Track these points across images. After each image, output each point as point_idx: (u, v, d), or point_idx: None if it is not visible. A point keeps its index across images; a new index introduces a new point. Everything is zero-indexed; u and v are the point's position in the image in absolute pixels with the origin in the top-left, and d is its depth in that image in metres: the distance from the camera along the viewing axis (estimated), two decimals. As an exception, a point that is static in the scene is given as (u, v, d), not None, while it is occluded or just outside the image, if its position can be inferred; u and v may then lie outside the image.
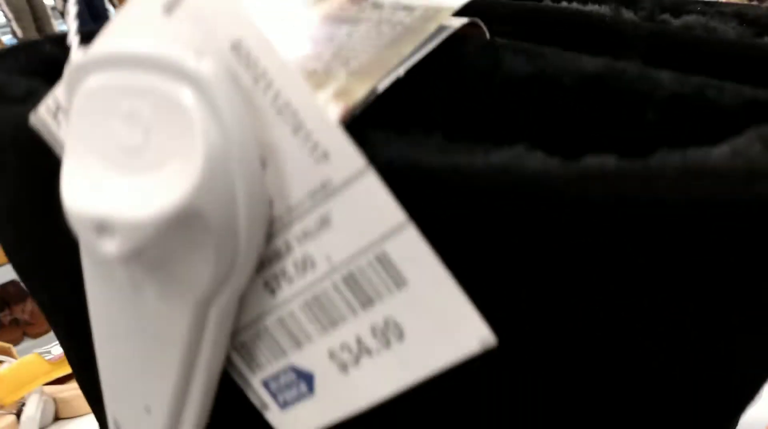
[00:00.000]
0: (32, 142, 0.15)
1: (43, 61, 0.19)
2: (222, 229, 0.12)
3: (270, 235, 0.14)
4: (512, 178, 0.12)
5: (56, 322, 0.19)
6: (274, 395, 0.16)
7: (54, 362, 0.59)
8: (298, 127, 0.12)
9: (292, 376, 0.15)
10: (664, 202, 0.12)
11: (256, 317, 0.15)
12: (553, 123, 0.18)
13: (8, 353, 0.67)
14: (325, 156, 0.12)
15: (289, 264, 0.14)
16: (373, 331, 0.14)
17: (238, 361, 0.16)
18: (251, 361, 0.15)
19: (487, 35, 0.20)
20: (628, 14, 0.27)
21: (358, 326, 0.14)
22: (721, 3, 0.28)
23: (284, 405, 0.16)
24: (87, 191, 0.12)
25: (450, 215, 0.13)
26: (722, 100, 0.17)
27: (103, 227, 0.11)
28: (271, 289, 0.14)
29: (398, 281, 0.13)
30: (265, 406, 0.16)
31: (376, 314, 0.14)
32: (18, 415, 0.57)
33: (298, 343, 0.15)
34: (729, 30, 0.26)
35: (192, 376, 0.15)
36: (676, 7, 0.28)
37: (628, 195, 0.12)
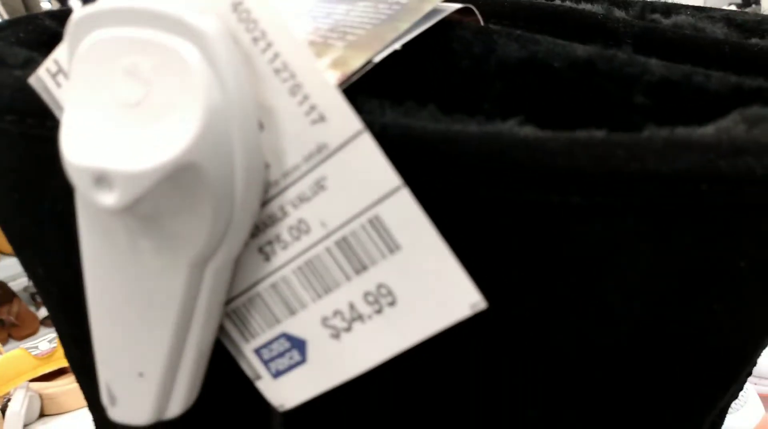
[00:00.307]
0: (30, 107, 0.15)
1: (42, 35, 0.20)
2: (219, 186, 0.12)
3: (265, 201, 0.14)
4: (504, 145, 0.13)
5: (49, 294, 0.19)
6: (266, 364, 0.16)
7: (41, 357, 0.58)
8: (295, 89, 0.12)
9: (284, 344, 0.15)
10: (651, 171, 0.13)
11: (250, 284, 0.15)
12: (545, 105, 0.18)
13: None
14: (322, 118, 0.13)
15: (283, 229, 0.14)
16: (366, 296, 0.14)
17: (231, 329, 0.16)
18: (244, 329, 0.16)
19: (482, 22, 0.21)
20: (619, 14, 0.28)
21: (351, 292, 0.14)
22: (711, 8, 0.29)
23: (276, 374, 0.16)
24: (86, 144, 0.12)
25: (443, 181, 0.13)
26: (709, 86, 0.17)
27: (101, 179, 0.12)
28: (265, 255, 0.15)
29: (391, 246, 0.13)
30: (258, 376, 0.16)
31: (369, 280, 0.14)
32: (3, 410, 0.56)
33: (291, 310, 0.15)
34: (717, 31, 0.26)
35: (186, 340, 0.15)
36: (667, 9, 0.28)
37: (616, 163, 0.12)
